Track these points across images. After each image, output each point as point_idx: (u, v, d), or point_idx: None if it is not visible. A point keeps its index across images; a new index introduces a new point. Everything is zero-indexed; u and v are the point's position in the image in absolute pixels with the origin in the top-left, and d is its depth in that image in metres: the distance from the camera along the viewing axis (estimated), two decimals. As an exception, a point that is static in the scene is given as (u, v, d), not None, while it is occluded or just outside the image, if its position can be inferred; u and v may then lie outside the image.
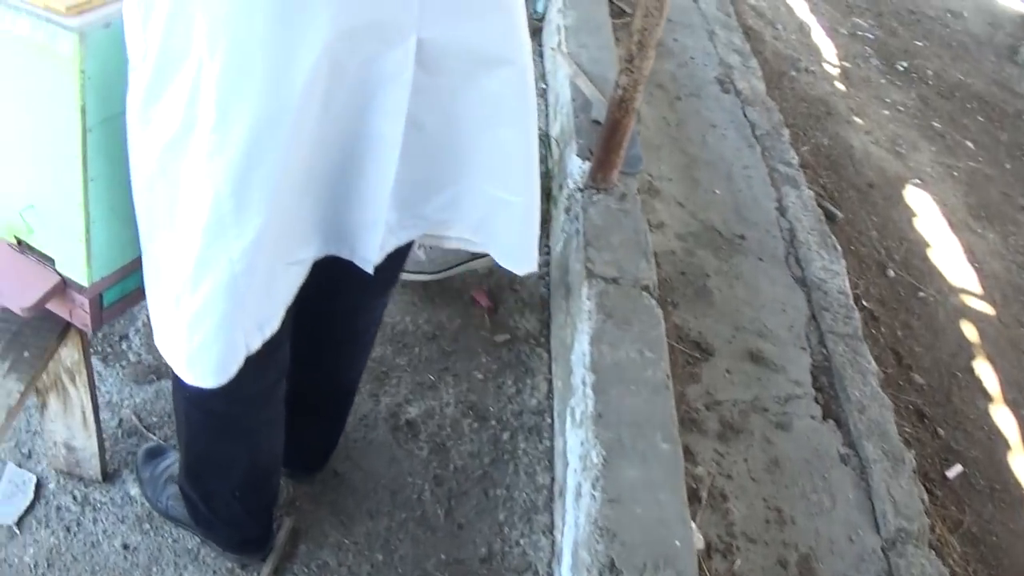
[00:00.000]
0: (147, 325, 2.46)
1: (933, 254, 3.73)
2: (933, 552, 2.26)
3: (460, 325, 2.70)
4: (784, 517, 2.25)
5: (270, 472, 1.93)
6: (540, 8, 4.08)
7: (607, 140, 2.57)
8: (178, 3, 1.16)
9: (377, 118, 1.31)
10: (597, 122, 2.86)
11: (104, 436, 2.11)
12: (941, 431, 2.90)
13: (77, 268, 1.53)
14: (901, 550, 2.22)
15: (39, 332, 1.69)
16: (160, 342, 1.45)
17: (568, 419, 2.24)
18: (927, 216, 3.97)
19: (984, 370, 3.23)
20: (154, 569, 2.00)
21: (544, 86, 3.66)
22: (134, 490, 2.12)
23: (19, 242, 1.58)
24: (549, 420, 2.48)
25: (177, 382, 1.67)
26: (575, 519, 1.99)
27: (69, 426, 2.00)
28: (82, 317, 1.61)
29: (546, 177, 3.13)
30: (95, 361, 2.34)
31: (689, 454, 2.29)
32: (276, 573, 2.03)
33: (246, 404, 1.69)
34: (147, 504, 2.09)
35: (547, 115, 3.52)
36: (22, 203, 1.52)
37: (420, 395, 2.48)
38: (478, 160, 1.44)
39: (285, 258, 1.37)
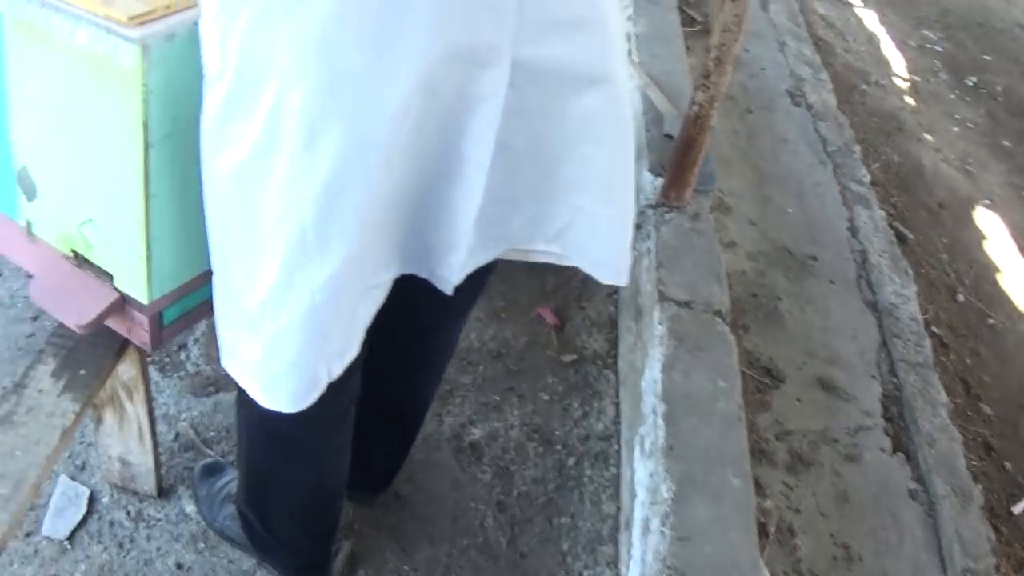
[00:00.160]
0: (206, 335, 2.42)
1: (1003, 279, 3.63)
2: (997, 592, 2.20)
3: (526, 343, 2.64)
4: (851, 554, 2.19)
5: (334, 496, 1.86)
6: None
7: (681, 158, 2.50)
8: (260, 22, 1.10)
9: (466, 140, 1.25)
10: (669, 136, 2.79)
11: (160, 450, 2.07)
12: (1008, 465, 2.80)
13: (137, 285, 1.48)
14: (965, 590, 2.16)
15: (96, 349, 1.64)
16: (230, 364, 1.39)
17: (636, 448, 2.16)
18: (997, 238, 3.86)
19: (1053, 404, 3.13)
20: (207, 591, 1.96)
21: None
22: (189, 507, 2.07)
23: (77, 256, 1.53)
24: (616, 446, 2.40)
25: (242, 403, 1.62)
26: (642, 554, 1.92)
27: (124, 441, 1.96)
28: (141, 335, 1.56)
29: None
30: (151, 371, 2.30)
31: (758, 486, 2.22)
32: (333, 599, 1.97)
33: (316, 428, 1.62)
34: (203, 522, 2.04)
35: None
36: (80, 217, 1.47)
37: (484, 416, 2.41)
38: (564, 175, 1.37)
39: (367, 282, 1.31)
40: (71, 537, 2.00)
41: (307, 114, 1.11)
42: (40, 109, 1.43)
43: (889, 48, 5.16)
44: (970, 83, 5.12)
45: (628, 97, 1.37)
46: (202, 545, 2.01)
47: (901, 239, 3.45)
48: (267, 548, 1.93)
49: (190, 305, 1.59)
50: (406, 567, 2.06)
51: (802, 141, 3.65)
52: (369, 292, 1.33)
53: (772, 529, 2.19)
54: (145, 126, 1.28)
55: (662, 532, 1.85)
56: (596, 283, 2.82)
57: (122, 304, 1.52)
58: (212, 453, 2.18)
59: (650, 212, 2.62)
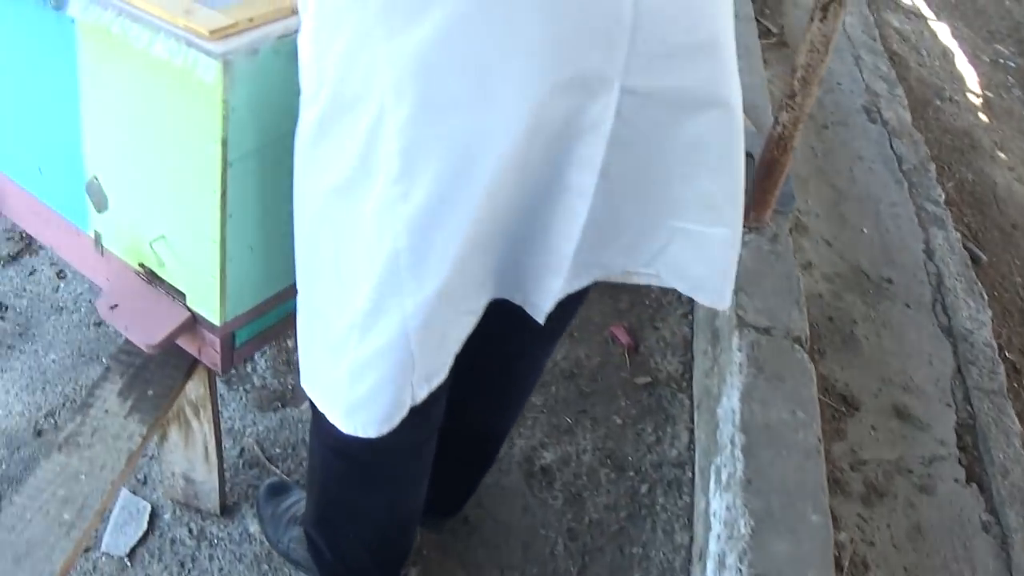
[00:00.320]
0: (273, 348, 2.38)
1: (1076, 305, 3.53)
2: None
3: (599, 363, 2.58)
4: (923, 589, 2.13)
5: (408, 525, 1.81)
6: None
7: (763, 179, 2.43)
8: (359, 43, 1.06)
9: (570, 169, 1.19)
10: (749, 155, 2.72)
11: (224, 467, 2.02)
12: (1079, 496, 2.73)
13: (210, 305, 1.43)
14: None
15: (164, 368, 1.59)
16: (311, 387, 1.34)
17: (712, 478, 2.10)
18: (1070, 263, 3.76)
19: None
20: (270, 615, 1.92)
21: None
22: (253, 527, 2.03)
23: (147, 270, 1.49)
24: (690, 474, 2.34)
25: (318, 426, 1.57)
26: (718, 591, 1.86)
27: (189, 459, 1.91)
28: (212, 356, 1.52)
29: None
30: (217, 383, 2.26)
31: (833, 518, 2.15)
32: (399, 629, 1.91)
33: (395, 455, 1.58)
34: (267, 544, 2.00)
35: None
36: (153, 232, 1.43)
37: (556, 439, 2.35)
38: (666, 198, 1.30)
39: (460, 308, 1.25)
40: (131, 554, 1.96)
41: (405, 139, 1.06)
42: (114, 119, 1.39)
43: (962, 63, 5.06)
44: (1043, 100, 5.02)
45: (740, 118, 1.30)
46: (266, 567, 1.97)
47: (975, 260, 3.37)
48: (335, 574, 1.88)
49: (262, 326, 1.54)
50: (474, 596, 2.01)
51: (878, 159, 3.57)
52: (461, 318, 1.28)
53: (846, 563, 2.12)
54: (224, 144, 1.24)
55: (739, 569, 1.80)
56: (670, 303, 2.78)
57: (193, 323, 1.48)
58: (278, 471, 2.14)
59: (728, 233, 2.56)
